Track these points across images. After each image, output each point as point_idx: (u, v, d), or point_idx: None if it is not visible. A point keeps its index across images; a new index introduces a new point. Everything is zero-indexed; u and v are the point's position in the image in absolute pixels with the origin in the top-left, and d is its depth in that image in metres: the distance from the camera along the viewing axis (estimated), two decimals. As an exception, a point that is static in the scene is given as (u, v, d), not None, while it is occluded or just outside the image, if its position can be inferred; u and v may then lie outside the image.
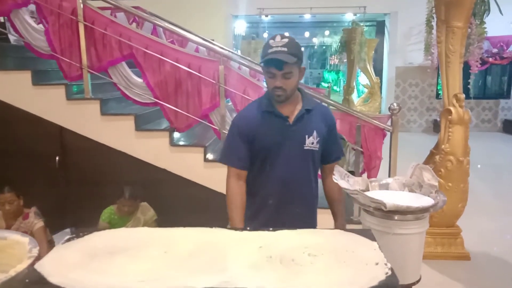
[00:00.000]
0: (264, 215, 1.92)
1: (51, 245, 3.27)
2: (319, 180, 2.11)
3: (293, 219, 1.86)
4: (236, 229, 1.55)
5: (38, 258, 1.38)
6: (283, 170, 1.91)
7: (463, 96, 3.43)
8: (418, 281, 1.93)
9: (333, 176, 2.07)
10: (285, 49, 1.75)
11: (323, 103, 3.83)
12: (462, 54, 3.43)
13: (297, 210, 1.94)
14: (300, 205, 1.97)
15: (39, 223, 3.16)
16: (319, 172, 2.09)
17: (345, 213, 2.13)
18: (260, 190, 1.96)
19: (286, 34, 1.86)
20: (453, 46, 3.36)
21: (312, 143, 1.91)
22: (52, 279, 1.18)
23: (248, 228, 1.56)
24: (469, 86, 4.94)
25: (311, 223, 1.87)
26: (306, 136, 1.90)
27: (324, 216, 3.46)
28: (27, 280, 1.18)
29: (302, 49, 1.93)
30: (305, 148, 1.90)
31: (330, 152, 2.02)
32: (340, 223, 2.08)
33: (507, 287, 3.14)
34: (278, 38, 1.79)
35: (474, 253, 3.56)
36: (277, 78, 1.79)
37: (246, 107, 2.08)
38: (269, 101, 1.91)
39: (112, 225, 3.21)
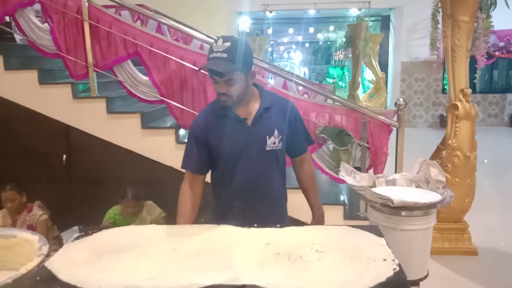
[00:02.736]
0: (231, 219, 1.78)
1: (59, 242, 3.31)
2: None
3: (261, 221, 1.70)
4: (243, 226, 1.55)
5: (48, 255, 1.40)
6: (246, 174, 1.83)
7: (470, 91, 3.40)
8: (425, 277, 1.94)
9: (340, 173, 2.07)
10: (225, 55, 1.65)
11: (331, 99, 3.82)
12: (468, 49, 3.40)
13: (263, 212, 1.85)
14: (267, 207, 1.88)
15: (43, 216, 3.21)
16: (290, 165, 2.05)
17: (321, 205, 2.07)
18: (225, 194, 1.90)
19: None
20: (459, 40, 3.33)
21: (274, 143, 1.83)
22: (62, 276, 1.20)
23: (255, 225, 1.57)
24: (475, 81, 4.91)
25: (281, 224, 1.70)
26: (267, 137, 1.81)
27: (325, 213, 3.47)
28: (38, 278, 1.20)
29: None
30: (267, 149, 1.82)
31: (296, 145, 1.96)
32: (317, 216, 2.02)
33: (515, 282, 3.13)
34: (220, 41, 1.68)
35: (482, 248, 3.55)
36: (220, 84, 1.72)
37: (203, 111, 1.97)
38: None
39: (116, 225, 3.21)
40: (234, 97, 1.75)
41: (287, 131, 1.87)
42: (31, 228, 3.15)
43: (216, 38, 1.76)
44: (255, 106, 1.84)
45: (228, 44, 1.67)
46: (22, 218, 3.20)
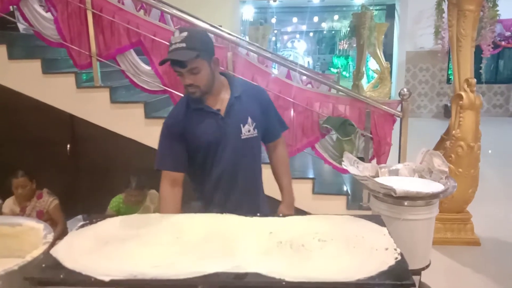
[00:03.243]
0: (212, 209, 1.77)
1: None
2: None
3: (241, 209, 1.69)
4: (246, 215, 1.56)
5: (57, 236, 1.42)
6: (224, 164, 1.83)
7: (475, 81, 3.38)
8: (427, 266, 1.94)
9: (343, 163, 2.07)
10: (184, 44, 1.65)
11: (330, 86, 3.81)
12: (474, 38, 3.37)
13: (244, 200, 1.85)
14: (247, 195, 1.89)
15: (54, 201, 3.29)
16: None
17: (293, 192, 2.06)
18: (205, 186, 1.89)
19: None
20: (464, 30, 3.30)
21: (249, 131, 1.83)
22: (67, 264, 1.21)
23: (258, 214, 1.58)
24: (480, 71, 4.87)
25: (260, 211, 1.73)
26: (241, 126, 1.82)
27: (328, 203, 3.48)
28: (43, 265, 1.22)
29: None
30: (242, 138, 1.82)
31: (270, 131, 1.97)
32: (287, 202, 2.01)
33: (517, 272, 3.14)
34: (177, 33, 1.68)
35: (484, 238, 3.55)
36: (184, 76, 1.71)
37: (176, 106, 1.93)
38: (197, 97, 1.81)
39: (120, 214, 3.23)
40: (202, 87, 1.74)
41: (260, 118, 1.88)
42: (41, 214, 3.22)
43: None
44: (226, 96, 1.83)
45: (185, 34, 1.67)
46: (32, 204, 3.27)
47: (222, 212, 1.60)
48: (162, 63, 1.72)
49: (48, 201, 3.28)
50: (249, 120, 1.83)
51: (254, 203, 1.90)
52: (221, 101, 1.83)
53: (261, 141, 1.99)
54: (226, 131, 1.81)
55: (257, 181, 1.99)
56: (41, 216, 3.22)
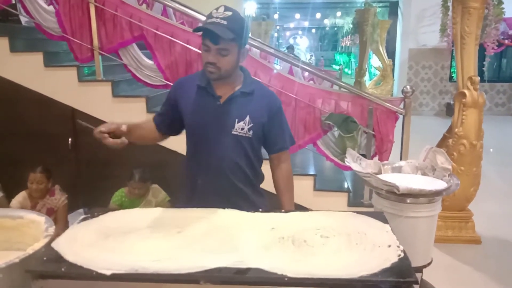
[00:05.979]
0: (194, 204, 1.67)
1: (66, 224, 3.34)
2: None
3: (219, 205, 1.60)
4: (248, 211, 1.56)
5: (56, 234, 1.41)
6: (209, 154, 1.75)
7: (478, 78, 3.37)
8: (429, 264, 1.94)
9: (345, 159, 2.07)
10: (225, 22, 1.57)
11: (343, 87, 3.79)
12: (478, 36, 3.35)
13: (226, 200, 1.70)
14: (230, 195, 1.77)
15: (64, 200, 3.26)
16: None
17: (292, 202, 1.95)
18: (189, 174, 1.84)
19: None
20: (469, 27, 3.28)
21: (242, 129, 1.73)
22: (68, 257, 1.21)
23: (260, 210, 1.57)
24: (484, 69, 4.85)
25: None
26: (236, 120, 1.72)
27: (329, 200, 3.47)
28: (44, 258, 1.21)
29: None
30: (233, 133, 1.72)
31: (274, 141, 1.85)
32: None
33: (517, 271, 3.14)
34: (221, 9, 1.61)
35: (485, 237, 3.55)
36: (211, 52, 1.62)
37: (190, 75, 1.91)
38: (207, 76, 1.73)
39: (123, 207, 3.23)
40: (223, 71, 1.66)
41: (263, 123, 1.78)
42: (51, 211, 3.18)
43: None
44: (235, 89, 1.77)
45: (229, 13, 1.61)
46: (44, 201, 3.21)
47: (201, 202, 1.59)
48: (196, 30, 1.64)
49: (60, 199, 3.22)
50: (247, 118, 1.73)
51: (239, 205, 1.73)
52: (227, 91, 1.76)
53: (266, 150, 1.90)
54: (219, 120, 1.73)
55: (245, 184, 1.83)
56: (51, 213, 3.15)
